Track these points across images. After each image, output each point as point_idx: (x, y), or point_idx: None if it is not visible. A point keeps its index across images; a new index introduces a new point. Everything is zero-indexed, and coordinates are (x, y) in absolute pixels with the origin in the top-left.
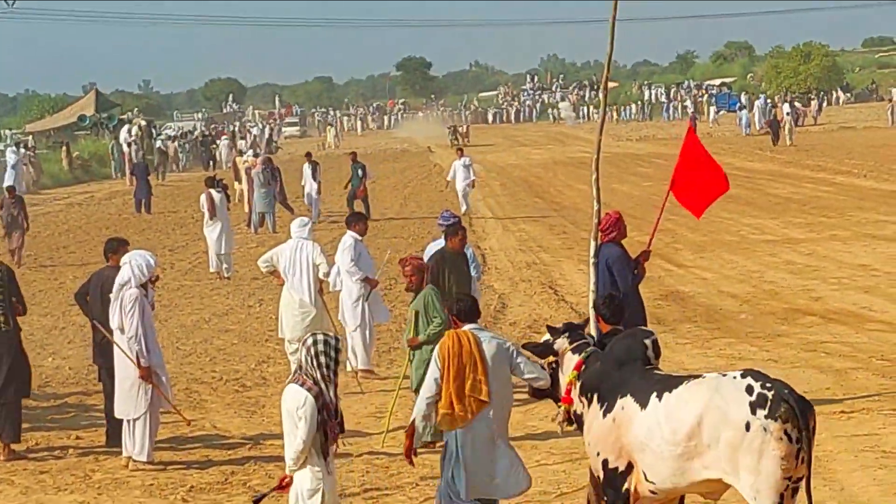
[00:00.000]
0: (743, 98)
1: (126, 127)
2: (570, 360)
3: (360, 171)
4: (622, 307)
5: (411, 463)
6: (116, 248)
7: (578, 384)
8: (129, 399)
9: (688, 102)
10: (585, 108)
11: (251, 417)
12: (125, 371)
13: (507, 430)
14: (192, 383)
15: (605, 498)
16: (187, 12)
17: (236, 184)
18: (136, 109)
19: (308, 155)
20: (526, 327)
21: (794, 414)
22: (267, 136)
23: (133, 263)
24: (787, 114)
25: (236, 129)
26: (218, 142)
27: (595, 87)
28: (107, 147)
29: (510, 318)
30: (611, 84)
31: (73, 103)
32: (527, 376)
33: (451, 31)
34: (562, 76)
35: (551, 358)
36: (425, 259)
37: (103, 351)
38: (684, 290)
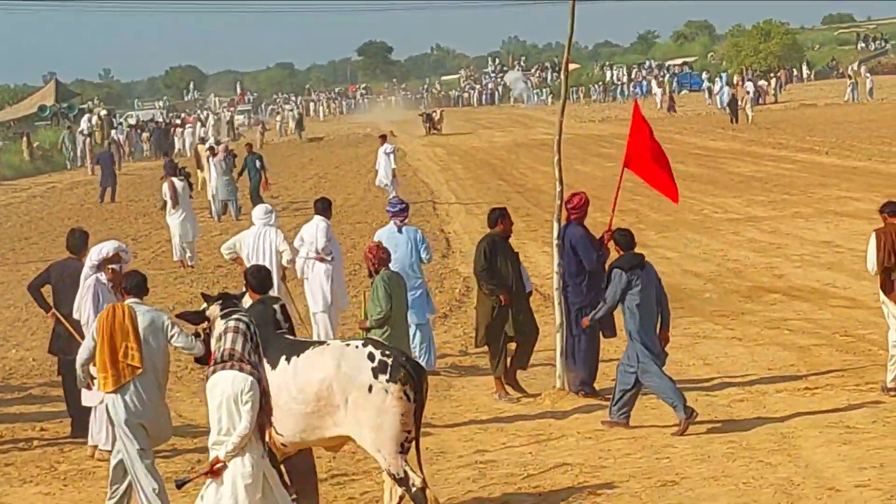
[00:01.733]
0: (705, 76)
1: (86, 116)
2: (218, 327)
3: (257, 163)
4: (269, 279)
5: None
6: (81, 245)
7: None
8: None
9: (653, 83)
10: (546, 91)
11: None
12: None
13: (163, 393)
14: None
15: None
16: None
17: (198, 171)
18: (96, 98)
19: (218, 143)
20: None
21: (411, 377)
22: (227, 122)
23: (94, 249)
24: (748, 92)
25: (199, 115)
26: (178, 130)
27: (557, 68)
28: (65, 137)
29: (475, 302)
30: (572, 65)
31: (33, 93)
32: (178, 345)
33: (412, 14)
34: (523, 58)
35: (206, 324)
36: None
37: (64, 342)
38: None
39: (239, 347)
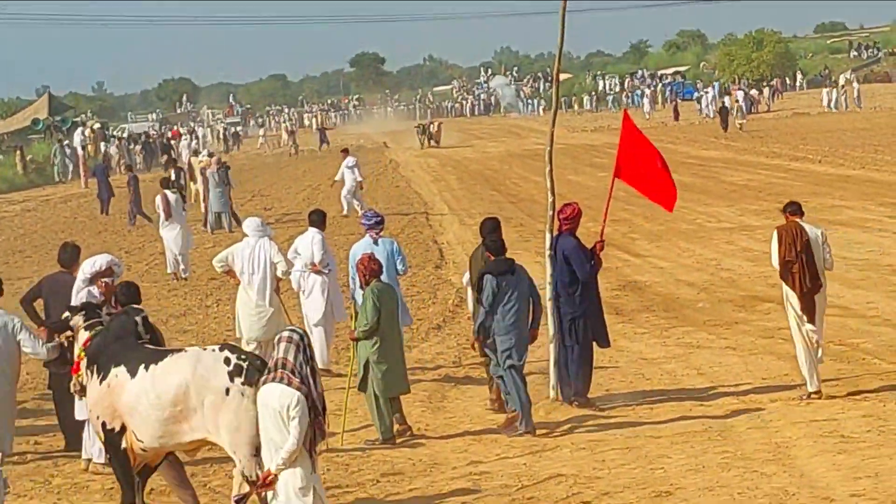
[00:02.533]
0: (700, 86)
1: (79, 129)
2: (82, 337)
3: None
4: (138, 295)
5: None
6: (73, 259)
7: (86, 357)
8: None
9: (646, 93)
10: (538, 101)
11: None
12: None
13: (12, 393)
14: None
15: (108, 455)
16: (139, 12)
17: (192, 184)
18: (89, 112)
19: (174, 161)
20: None
21: None
22: (222, 135)
23: (86, 262)
24: (738, 101)
25: (194, 128)
26: (173, 143)
27: (549, 78)
28: (56, 151)
29: (468, 313)
30: (563, 75)
31: (27, 107)
32: (26, 350)
33: (405, 25)
34: (515, 69)
35: (69, 333)
36: (351, 257)
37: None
38: (642, 279)
39: (291, 358)
